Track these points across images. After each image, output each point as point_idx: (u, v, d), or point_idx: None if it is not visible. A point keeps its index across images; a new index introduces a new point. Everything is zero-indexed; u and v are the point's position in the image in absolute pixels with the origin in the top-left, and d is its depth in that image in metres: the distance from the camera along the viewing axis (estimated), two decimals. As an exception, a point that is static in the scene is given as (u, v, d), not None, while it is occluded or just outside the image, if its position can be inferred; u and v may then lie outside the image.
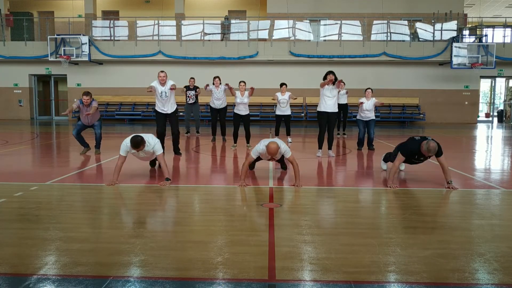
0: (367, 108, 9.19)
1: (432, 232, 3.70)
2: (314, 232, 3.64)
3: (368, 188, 5.64)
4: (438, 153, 5.31)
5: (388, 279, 2.72)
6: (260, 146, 5.50)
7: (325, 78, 7.92)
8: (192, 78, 12.47)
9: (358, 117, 9.45)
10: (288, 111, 10.73)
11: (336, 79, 7.89)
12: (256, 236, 3.49)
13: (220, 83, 10.61)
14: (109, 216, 4.30)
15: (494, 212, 4.42)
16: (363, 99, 9.22)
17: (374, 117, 9.34)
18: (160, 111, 7.94)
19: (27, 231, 3.64)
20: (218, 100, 10.67)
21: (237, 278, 2.69)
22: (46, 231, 3.62)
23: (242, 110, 9.38)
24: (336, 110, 8.12)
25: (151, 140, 5.59)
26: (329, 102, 7.95)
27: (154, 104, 8.14)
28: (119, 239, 3.40)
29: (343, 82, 11.94)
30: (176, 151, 8.28)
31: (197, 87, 12.36)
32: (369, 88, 9.54)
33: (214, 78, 10.70)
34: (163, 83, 7.69)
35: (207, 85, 10.68)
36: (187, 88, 12.27)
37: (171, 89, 7.70)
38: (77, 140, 8.33)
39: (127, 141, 5.50)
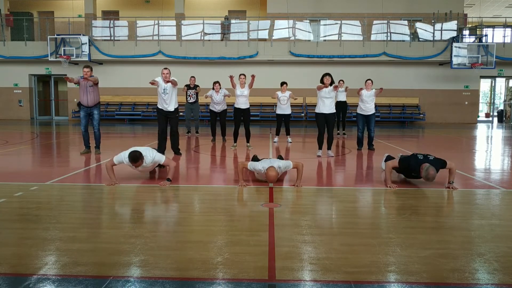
0: (366, 98, 9.10)
1: (432, 232, 3.70)
2: (314, 232, 3.63)
3: (368, 188, 5.63)
4: (443, 166, 5.30)
5: (388, 279, 2.72)
6: (258, 167, 5.41)
7: (322, 80, 7.92)
8: (192, 77, 12.50)
9: (358, 111, 9.35)
10: (288, 110, 10.73)
11: (332, 82, 7.90)
12: (256, 236, 3.49)
13: (220, 88, 10.62)
14: (109, 216, 4.30)
15: (494, 212, 4.43)
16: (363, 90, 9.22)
17: (374, 111, 9.29)
18: (161, 107, 8.02)
19: (27, 231, 3.64)
20: (218, 104, 10.69)
21: (237, 278, 2.69)
22: (46, 231, 3.62)
23: (243, 104, 9.31)
24: (334, 111, 8.12)
25: (148, 153, 5.43)
26: (326, 103, 7.96)
27: (154, 104, 8.17)
28: (119, 239, 3.40)
29: (342, 81, 11.98)
30: (176, 151, 8.29)
31: (197, 86, 12.39)
32: (369, 79, 9.43)
33: (214, 83, 10.71)
34: (166, 80, 7.79)
35: (207, 95, 10.69)
36: (188, 86, 12.28)
37: (168, 81, 7.73)
38: (83, 137, 8.35)
39: (125, 155, 5.37)
